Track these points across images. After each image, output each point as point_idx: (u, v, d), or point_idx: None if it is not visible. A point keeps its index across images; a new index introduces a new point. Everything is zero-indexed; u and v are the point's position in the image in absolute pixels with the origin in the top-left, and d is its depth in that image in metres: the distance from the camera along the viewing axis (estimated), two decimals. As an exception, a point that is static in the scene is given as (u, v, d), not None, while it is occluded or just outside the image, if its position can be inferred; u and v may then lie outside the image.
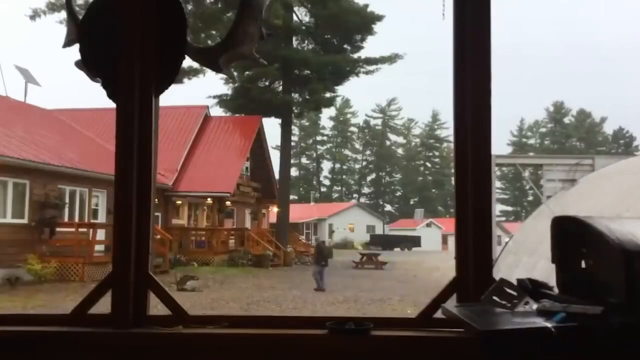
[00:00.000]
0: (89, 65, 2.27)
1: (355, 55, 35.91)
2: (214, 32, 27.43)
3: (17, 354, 2.16)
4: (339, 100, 65.35)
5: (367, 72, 35.92)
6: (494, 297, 1.92)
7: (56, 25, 25.98)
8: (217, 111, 37.26)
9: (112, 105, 2.27)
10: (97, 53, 2.26)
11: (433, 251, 52.54)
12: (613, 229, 1.76)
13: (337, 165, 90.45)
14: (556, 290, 1.94)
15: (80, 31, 2.28)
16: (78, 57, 2.28)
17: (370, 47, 38.62)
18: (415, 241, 59.00)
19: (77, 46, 2.29)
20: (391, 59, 35.40)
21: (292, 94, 36.44)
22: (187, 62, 2.32)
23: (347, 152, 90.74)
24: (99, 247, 20.15)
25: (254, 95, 34.88)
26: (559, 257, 1.97)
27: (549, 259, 2.00)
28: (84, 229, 20.41)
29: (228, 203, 31.32)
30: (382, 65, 35.48)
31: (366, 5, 34.80)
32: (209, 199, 30.86)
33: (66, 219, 21.10)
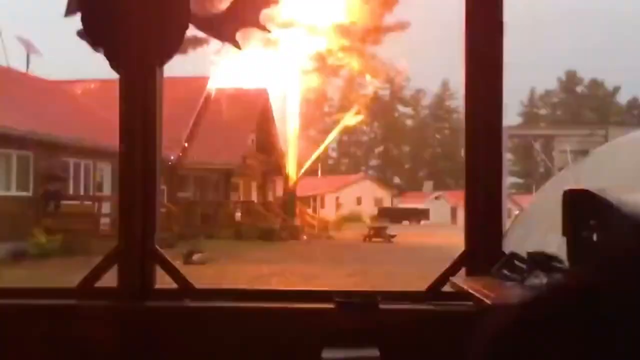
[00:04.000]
0: (91, 34, 2.22)
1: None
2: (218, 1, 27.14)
3: (24, 327, 2.16)
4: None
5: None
6: (504, 271, 1.90)
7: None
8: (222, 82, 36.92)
9: (116, 75, 2.23)
10: (99, 22, 2.22)
11: (442, 224, 52.58)
12: (626, 200, 1.72)
13: (345, 138, 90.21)
14: (567, 263, 1.92)
15: (82, 0, 2.23)
16: (80, 26, 2.23)
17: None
18: (424, 214, 59.05)
19: (79, 15, 2.24)
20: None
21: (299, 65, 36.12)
22: (191, 31, 2.27)
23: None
24: (105, 220, 20.20)
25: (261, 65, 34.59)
26: (570, 230, 1.94)
27: (560, 232, 1.97)
28: (89, 202, 20.42)
29: (234, 175, 31.34)
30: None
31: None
32: (215, 172, 30.89)
33: (71, 192, 21.10)
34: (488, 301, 1.70)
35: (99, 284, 2.26)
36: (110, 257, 2.27)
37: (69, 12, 2.26)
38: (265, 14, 2.26)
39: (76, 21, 2.23)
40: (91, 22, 2.22)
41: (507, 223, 10.97)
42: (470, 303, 2.01)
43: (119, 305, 2.17)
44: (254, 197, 34.74)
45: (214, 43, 32.23)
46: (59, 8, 2.22)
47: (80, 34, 2.23)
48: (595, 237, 1.85)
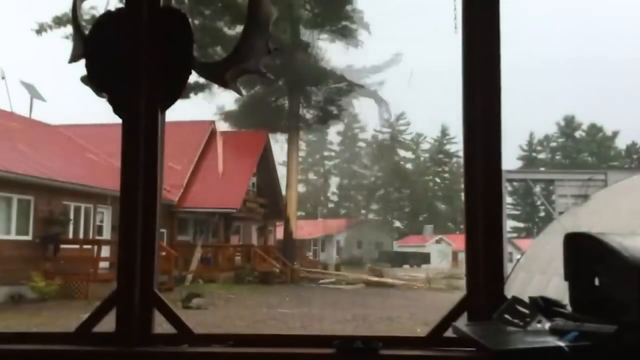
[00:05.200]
0: (95, 80, 2.25)
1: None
2: (220, 47, 27.54)
3: (20, 373, 2.13)
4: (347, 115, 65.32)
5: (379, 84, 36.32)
6: (506, 316, 1.88)
7: (62, 41, 26.08)
8: (223, 126, 37.29)
9: (118, 120, 2.25)
10: (103, 69, 2.25)
11: (443, 267, 52.23)
12: (627, 245, 1.72)
13: (345, 181, 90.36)
14: (569, 308, 1.91)
15: (87, 47, 2.27)
16: (84, 72, 2.26)
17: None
18: (424, 258, 58.80)
19: (83, 61, 2.28)
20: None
21: (299, 110, 36.50)
22: (193, 77, 2.30)
23: (355, 167, 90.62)
24: (104, 264, 20.06)
25: (261, 110, 34.98)
26: (571, 274, 1.93)
27: (561, 277, 1.96)
28: (89, 246, 20.34)
29: (234, 219, 31.28)
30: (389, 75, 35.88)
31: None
32: (215, 215, 30.83)
33: (70, 236, 21.05)
34: (490, 347, 1.68)
35: (97, 328, 2.24)
36: (109, 301, 2.25)
37: (73, 58, 2.29)
38: (266, 60, 2.30)
39: (80, 67, 2.26)
40: (95, 68, 2.25)
41: (507, 267, 10.93)
42: (473, 349, 1.99)
43: (117, 351, 2.14)
44: (254, 240, 34.63)
45: (216, 88, 32.61)
46: (62, 54, 2.25)
47: (84, 79, 2.26)
48: (597, 282, 1.84)
